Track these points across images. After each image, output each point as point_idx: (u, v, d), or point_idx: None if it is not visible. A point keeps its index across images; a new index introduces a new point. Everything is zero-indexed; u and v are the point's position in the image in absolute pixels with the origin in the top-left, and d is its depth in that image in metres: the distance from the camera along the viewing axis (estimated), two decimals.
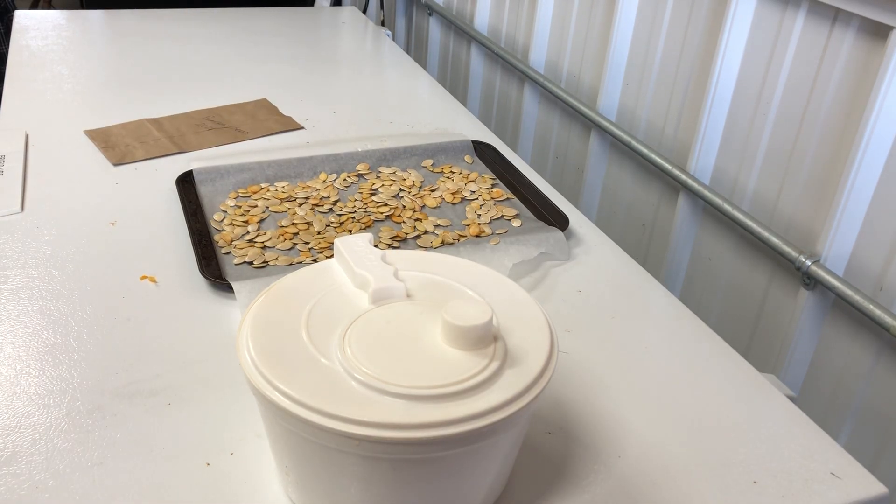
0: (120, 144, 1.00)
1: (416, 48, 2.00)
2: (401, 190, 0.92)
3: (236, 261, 0.77)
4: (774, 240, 0.91)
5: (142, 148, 1.00)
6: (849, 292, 0.81)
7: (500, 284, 0.55)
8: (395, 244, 0.82)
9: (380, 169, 0.97)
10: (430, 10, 1.82)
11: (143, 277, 0.74)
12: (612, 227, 1.29)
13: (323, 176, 0.94)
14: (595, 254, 0.84)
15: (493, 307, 0.48)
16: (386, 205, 0.88)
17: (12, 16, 1.51)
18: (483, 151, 1.03)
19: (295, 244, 0.80)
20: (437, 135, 1.10)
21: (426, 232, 0.84)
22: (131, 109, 1.11)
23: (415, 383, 0.44)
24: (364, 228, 0.84)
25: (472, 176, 0.97)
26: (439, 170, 0.98)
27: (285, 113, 1.14)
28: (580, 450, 0.57)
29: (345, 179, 0.94)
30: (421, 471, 0.45)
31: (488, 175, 0.98)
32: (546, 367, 0.47)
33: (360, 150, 0.99)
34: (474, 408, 0.43)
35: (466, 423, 0.43)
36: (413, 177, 0.95)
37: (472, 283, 0.55)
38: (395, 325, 0.49)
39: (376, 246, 0.72)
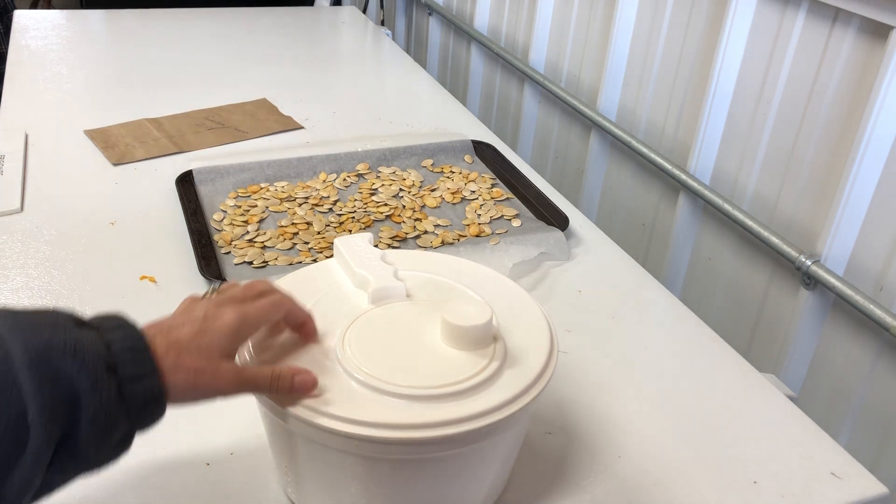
0: (120, 144, 1.00)
1: (416, 48, 2.00)
2: (401, 190, 0.92)
3: (236, 261, 0.77)
4: (774, 240, 0.91)
5: (142, 148, 1.00)
6: (849, 292, 0.81)
7: (500, 284, 0.55)
8: (395, 244, 0.81)
9: (380, 169, 0.97)
10: (430, 10, 1.82)
11: (143, 277, 0.74)
12: (612, 227, 1.29)
13: (323, 176, 0.94)
14: (595, 254, 0.84)
15: (493, 307, 0.48)
16: (386, 205, 0.88)
17: (12, 15, 1.51)
18: (483, 151, 1.03)
19: (295, 244, 0.80)
20: (436, 134, 1.10)
21: (426, 232, 0.84)
22: (131, 109, 1.11)
23: (415, 383, 0.44)
24: (364, 228, 0.84)
25: (472, 176, 0.96)
26: (439, 170, 0.98)
27: (285, 113, 1.14)
28: (580, 450, 0.57)
29: (345, 179, 0.94)
30: (421, 471, 0.45)
31: (488, 175, 0.98)
32: (546, 367, 0.47)
33: (359, 149, 0.99)
34: (474, 408, 0.43)
35: (466, 423, 0.43)
36: (413, 177, 0.95)
37: (472, 283, 0.55)
38: (395, 325, 0.49)
39: (376, 246, 0.72)
